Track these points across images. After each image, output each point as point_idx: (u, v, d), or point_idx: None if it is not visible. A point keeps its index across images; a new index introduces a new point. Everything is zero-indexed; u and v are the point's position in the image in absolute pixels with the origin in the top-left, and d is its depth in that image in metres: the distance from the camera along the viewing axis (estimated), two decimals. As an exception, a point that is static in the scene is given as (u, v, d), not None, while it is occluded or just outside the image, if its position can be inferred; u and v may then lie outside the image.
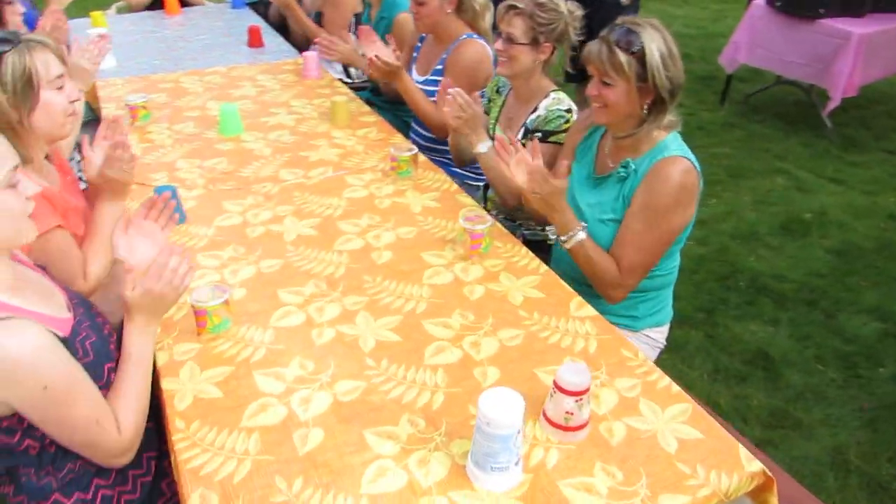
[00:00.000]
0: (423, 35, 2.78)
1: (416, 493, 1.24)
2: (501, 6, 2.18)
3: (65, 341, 1.28)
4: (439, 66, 2.67)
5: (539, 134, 2.17)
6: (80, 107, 1.86)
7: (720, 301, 3.17)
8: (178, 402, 1.42)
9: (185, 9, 4.29)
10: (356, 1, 3.38)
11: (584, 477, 1.28)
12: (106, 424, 1.29)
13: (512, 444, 1.21)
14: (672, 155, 1.76)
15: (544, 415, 1.38)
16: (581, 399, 1.32)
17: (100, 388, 1.36)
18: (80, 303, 1.46)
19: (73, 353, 1.30)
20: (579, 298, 1.76)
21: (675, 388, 1.49)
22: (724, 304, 3.15)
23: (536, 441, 1.35)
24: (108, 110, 2.75)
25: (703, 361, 2.82)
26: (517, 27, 2.14)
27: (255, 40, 3.63)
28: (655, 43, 1.70)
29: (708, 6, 8.15)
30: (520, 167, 1.87)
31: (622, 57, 1.70)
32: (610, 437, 1.37)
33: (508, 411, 1.20)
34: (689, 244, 3.58)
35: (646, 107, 1.75)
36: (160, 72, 3.26)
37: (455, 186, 2.26)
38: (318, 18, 3.71)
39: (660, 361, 1.91)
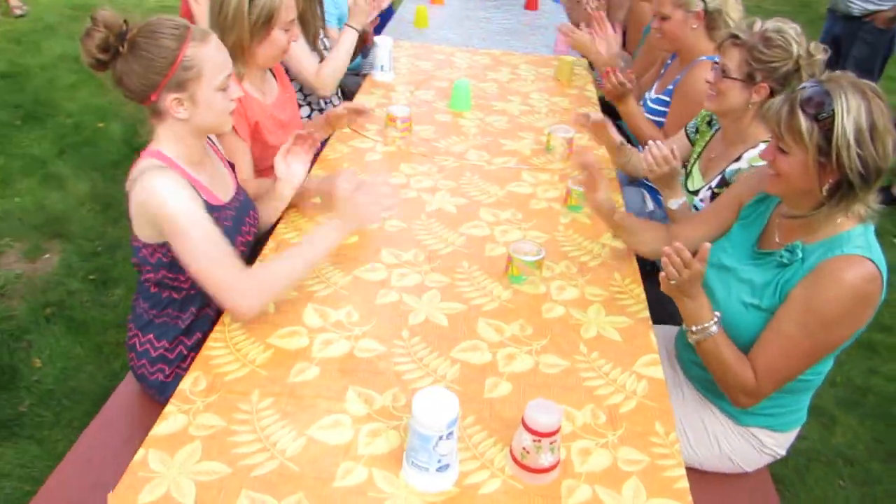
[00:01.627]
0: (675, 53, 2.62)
1: (346, 455, 1.29)
2: (723, 33, 1.99)
3: (206, 205, 1.58)
4: (671, 87, 2.50)
5: None
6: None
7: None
8: (238, 303, 1.64)
9: None
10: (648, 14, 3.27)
11: (508, 517, 1.21)
12: (230, 263, 1.52)
13: (432, 447, 1.19)
14: (853, 253, 1.43)
15: (511, 443, 1.31)
16: (539, 441, 1.23)
17: None
18: (243, 203, 1.77)
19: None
20: (655, 356, 1.59)
21: (684, 483, 1.30)
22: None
23: (489, 465, 1.30)
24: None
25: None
26: (732, 59, 1.93)
27: (531, 2, 3.80)
28: (853, 112, 1.37)
29: None
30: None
31: (803, 122, 1.40)
32: (567, 496, 1.25)
33: (433, 414, 1.18)
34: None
35: (826, 189, 1.44)
36: (446, 44, 3.55)
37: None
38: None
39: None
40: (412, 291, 1.73)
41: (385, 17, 3.96)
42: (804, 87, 1.44)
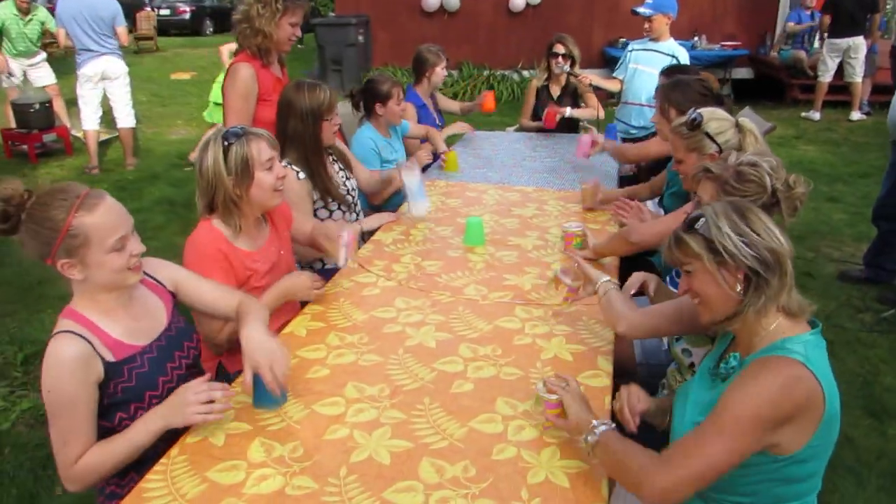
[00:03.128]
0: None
1: None
2: (697, 166, 1.96)
3: (110, 364, 1.67)
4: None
5: None
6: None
7: None
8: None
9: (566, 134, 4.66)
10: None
11: None
12: (70, 450, 1.62)
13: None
14: (787, 355, 1.38)
15: None
16: None
17: (138, 407, 1.71)
18: (176, 336, 1.84)
19: (118, 375, 1.68)
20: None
21: None
22: None
23: None
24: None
25: None
26: (706, 192, 1.91)
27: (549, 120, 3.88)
28: (720, 211, 1.47)
29: None
30: None
31: (685, 237, 1.50)
32: None
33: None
34: None
35: (739, 287, 1.45)
36: (482, 181, 3.66)
37: (607, 347, 2.06)
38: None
39: None
40: (364, 427, 1.71)
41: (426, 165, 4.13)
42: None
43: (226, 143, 2.11)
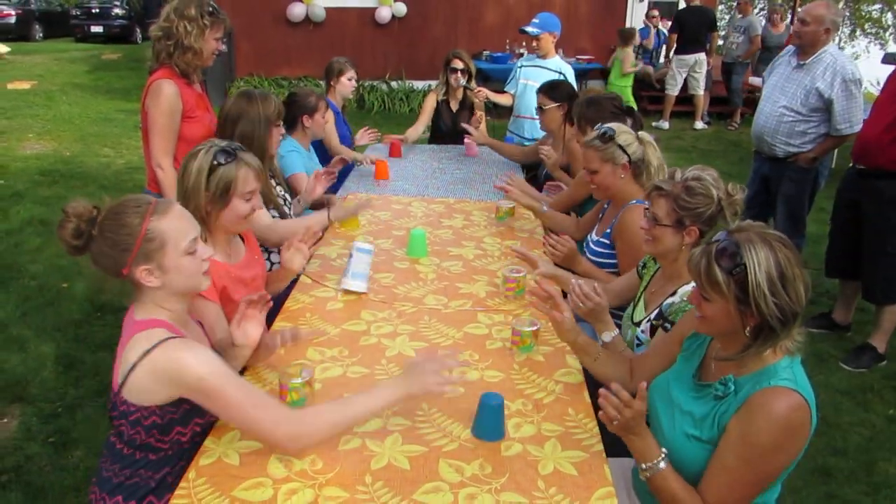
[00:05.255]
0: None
1: None
2: (649, 185, 2.19)
3: None
4: (609, 230, 2.70)
5: (667, 325, 2.07)
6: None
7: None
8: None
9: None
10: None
11: None
12: (272, 408, 1.64)
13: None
14: (780, 385, 1.55)
15: None
16: None
17: (196, 423, 1.71)
18: None
19: None
20: (610, 489, 1.64)
21: None
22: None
23: None
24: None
25: None
26: (661, 208, 2.12)
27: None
28: (763, 265, 1.51)
29: None
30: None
31: (719, 275, 1.55)
32: None
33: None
34: None
35: (748, 331, 1.58)
36: (402, 194, 3.77)
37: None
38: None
39: None
40: (374, 436, 1.77)
41: (345, 170, 4.19)
42: (718, 241, 1.59)
43: (214, 162, 2.09)
